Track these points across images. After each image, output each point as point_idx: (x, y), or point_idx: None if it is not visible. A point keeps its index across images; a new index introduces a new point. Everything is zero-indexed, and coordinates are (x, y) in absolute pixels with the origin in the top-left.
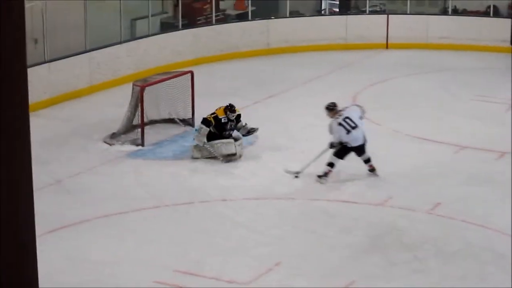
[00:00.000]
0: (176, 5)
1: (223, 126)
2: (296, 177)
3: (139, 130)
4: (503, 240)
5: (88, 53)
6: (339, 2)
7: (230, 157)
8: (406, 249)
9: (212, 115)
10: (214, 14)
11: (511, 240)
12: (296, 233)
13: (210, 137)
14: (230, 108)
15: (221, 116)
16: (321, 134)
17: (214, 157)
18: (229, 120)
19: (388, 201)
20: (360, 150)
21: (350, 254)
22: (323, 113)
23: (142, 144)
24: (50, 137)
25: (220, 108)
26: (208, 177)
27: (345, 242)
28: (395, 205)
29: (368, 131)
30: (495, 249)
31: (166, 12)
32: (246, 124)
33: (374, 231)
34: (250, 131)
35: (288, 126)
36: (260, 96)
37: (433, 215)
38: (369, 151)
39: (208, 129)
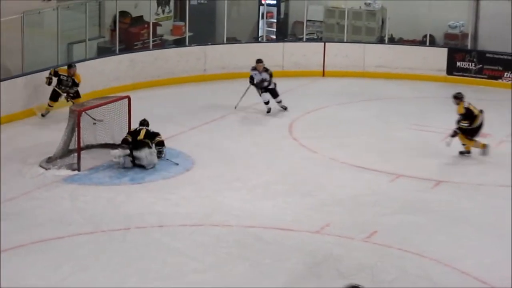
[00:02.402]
0: (113, 30)
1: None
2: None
3: (76, 154)
4: (439, 269)
5: (24, 77)
6: (276, 29)
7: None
8: (342, 277)
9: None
10: (151, 39)
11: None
12: (232, 260)
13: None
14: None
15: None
16: (258, 161)
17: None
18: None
19: (324, 228)
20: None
21: (286, 282)
22: (260, 140)
23: (79, 169)
24: None
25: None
26: (145, 203)
27: (280, 269)
28: (331, 233)
29: (305, 159)
30: (431, 277)
31: (103, 37)
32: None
33: (310, 258)
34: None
35: (224, 153)
36: (196, 122)
37: (370, 243)
38: (306, 178)
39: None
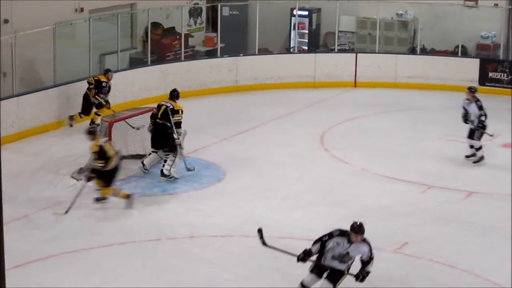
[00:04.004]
0: (145, 41)
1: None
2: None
3: None
4: (471, 280)
5: (57, 88)
6: (308, 40)
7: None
8: None
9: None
10: (183, 51)
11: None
12: (263, 271)
13: None
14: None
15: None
16: (288, 171)
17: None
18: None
19: None
20: None
21: None
22: (291, 150)
23: None
24: (17, 171)
25: None
26: (176, 213)
27: None
28: None
29: (336, 170)
30: None
31: (135, 48)
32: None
33: None
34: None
35: (256, 164)
36: (228, 133)
37: (400, 254)
38: (337, 189)
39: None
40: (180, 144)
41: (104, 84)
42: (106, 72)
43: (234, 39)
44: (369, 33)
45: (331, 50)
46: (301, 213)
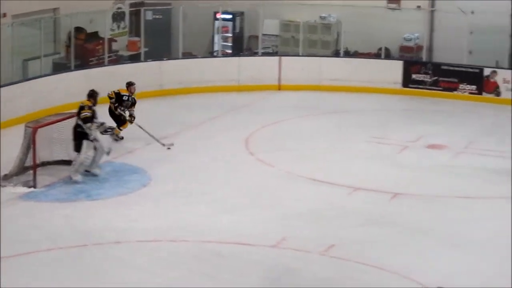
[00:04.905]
0: (68, 46)
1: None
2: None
3: (32, 171)
4: (398, 281)
5: None
6: (232, 43)
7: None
8: None
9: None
10: (106, 55)
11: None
12: (192, 275)
13: None
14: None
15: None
16: (214, 175)
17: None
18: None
19: (282, 242)
20: None
21: None
22: (217, 155)
23: (35, 186)
24: None
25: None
26: (102, 219)
27: (240, 284)
28: (289, 246)
29: (263, 173)
30: None
31: (59, 53)
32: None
33: (269, 273)
34: (107, 130)
35: (182, 168)
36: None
37: (328, 257)
38: (264, 192)
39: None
40: (95, 139)
41: (125, 97)
42: (129, 85)
43: (158, 43)
44: (292, 36)
45: (255, 54)
46: (229, 217)
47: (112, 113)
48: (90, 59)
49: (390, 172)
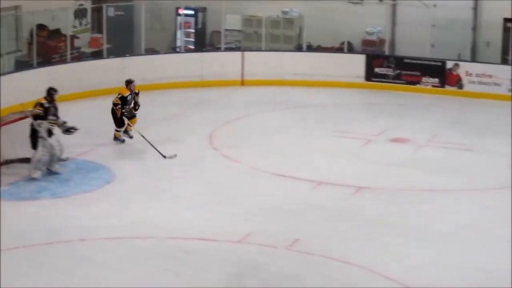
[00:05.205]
0: (30, 43)
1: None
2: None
3: None
4: (363, 275)
5: None
6: (194, 39)
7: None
8: (267, 286)
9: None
10: (69, 52)
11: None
12: (156, 272)
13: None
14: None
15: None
16: (179, 172)
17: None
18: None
19: (247, 238)
20: None
21: None
22: (181, 151)
23: None
24: None
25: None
26: (67, 217)
27: (205, 280)
28: (254, 242)
29: (227, 169)
30: (355, 283)
31: (21, 50)
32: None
33: (234, 268)
34: (69, 130)
35: (146, 165)
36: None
37: (292, 251)
38: (228, 188)
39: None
40: (43, 137)
41: (129, 97)
42: (128, 83)
43: (120, 39)
44: (255, 31)
45: (218, 49)
46: (193, 213)
47: (114, 115)
48: (53, 56)
49: (354, 166)
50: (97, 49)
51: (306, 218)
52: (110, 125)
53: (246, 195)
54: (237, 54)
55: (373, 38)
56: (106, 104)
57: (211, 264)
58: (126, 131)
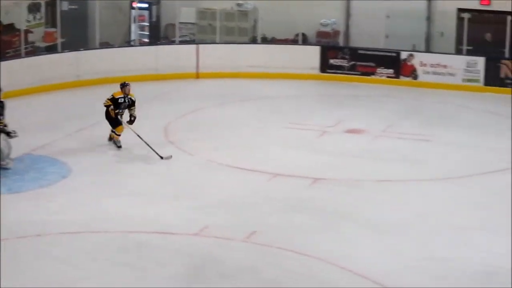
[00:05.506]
0: None
1: None
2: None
3: None
4: (321, 266)
5: None
6: (149, 32)
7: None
8: (225, 279)
9: None
10: (23, 47)
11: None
12: (114, 266)
13: None
14: None
15: None
16: (134, 165)
17: None
18: None
19: (204, 230)
20: None
21: (169, 286)
22: (136, 145)
23: None
24: None
25: None
26: (23, 212)
27: (163, 274)
28: (212, 234)
29: (183, 162)
30: (313, 275)
31: None
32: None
33: (192, 261)
34: (9, 134)
35: (101, 159)
36: (72, 129)
37: (250, 243)
38: (184, 181)
39: None
40: None
41: (120, 100)
42: (122, 86)
43: (75, 33)
44: (209, 23)
45: (172, 42)
46: (150, 207)
47: (108, 116)
48: (7, 51)
49: (310, 157)
50: (51, 44)
51: (263, 210)
52: (65, 120)
53: (202, 188)
54: (192, 47)
55: (328, 29)
56: (61, 99)
57: (169, 257)
58: (112, 140)
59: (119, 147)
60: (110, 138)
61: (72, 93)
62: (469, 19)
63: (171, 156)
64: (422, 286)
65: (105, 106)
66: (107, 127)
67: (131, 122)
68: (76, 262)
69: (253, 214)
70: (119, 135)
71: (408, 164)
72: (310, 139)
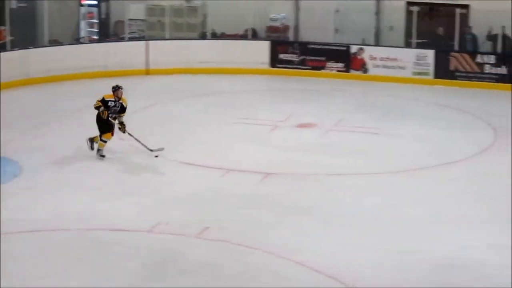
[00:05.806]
0: None
1: None
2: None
3: None
4: (277, 261)
5: None
6: (98, 29)
7: None
8: (184, 275)
9: None
10: None
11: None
12: (73, 264)
13: None
14: None
15: None
16: (89, 163)
17: None
18: None
19: (162, 227)
20: None
21: (129, 283)
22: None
23: None
24: None
25: None
26: None
27: (122, 271)
28: (169, 231)
29: (136, 159)
30: (271, 270)
31: None
32: None
33: (151, 258)
34: None
35: (56, 157)
36: (23, 127)
37: (207, 240)
38: (139, 178)
39: None
40: None
41: (110, 103)
42: (115, 89)
43: (24, 31)
44: (159, 20)
45: (122, 39)
46: (107, 204)
47: (99, 120)
48: None
49: (261, 152)
50: (0, 42)
51: (216, 205)
52: (15, 118)
53: (156, 184)
54: (141, 43)
55: (277, 24)
56: (10, 97)
57: (128, 254)
58: (92, 144)
59: (102, 156)
60: (92, 144)
61: (21, 92)
62: (419, 13)
63: (163, 149)
64: (382, 279)
65: (95, 108)
66: (62, 126)
67: (123, 130)
68: (35, 261)
69: (207, 210)
70: (106, 142)
71: (361, 157)
72: (262, 134)
